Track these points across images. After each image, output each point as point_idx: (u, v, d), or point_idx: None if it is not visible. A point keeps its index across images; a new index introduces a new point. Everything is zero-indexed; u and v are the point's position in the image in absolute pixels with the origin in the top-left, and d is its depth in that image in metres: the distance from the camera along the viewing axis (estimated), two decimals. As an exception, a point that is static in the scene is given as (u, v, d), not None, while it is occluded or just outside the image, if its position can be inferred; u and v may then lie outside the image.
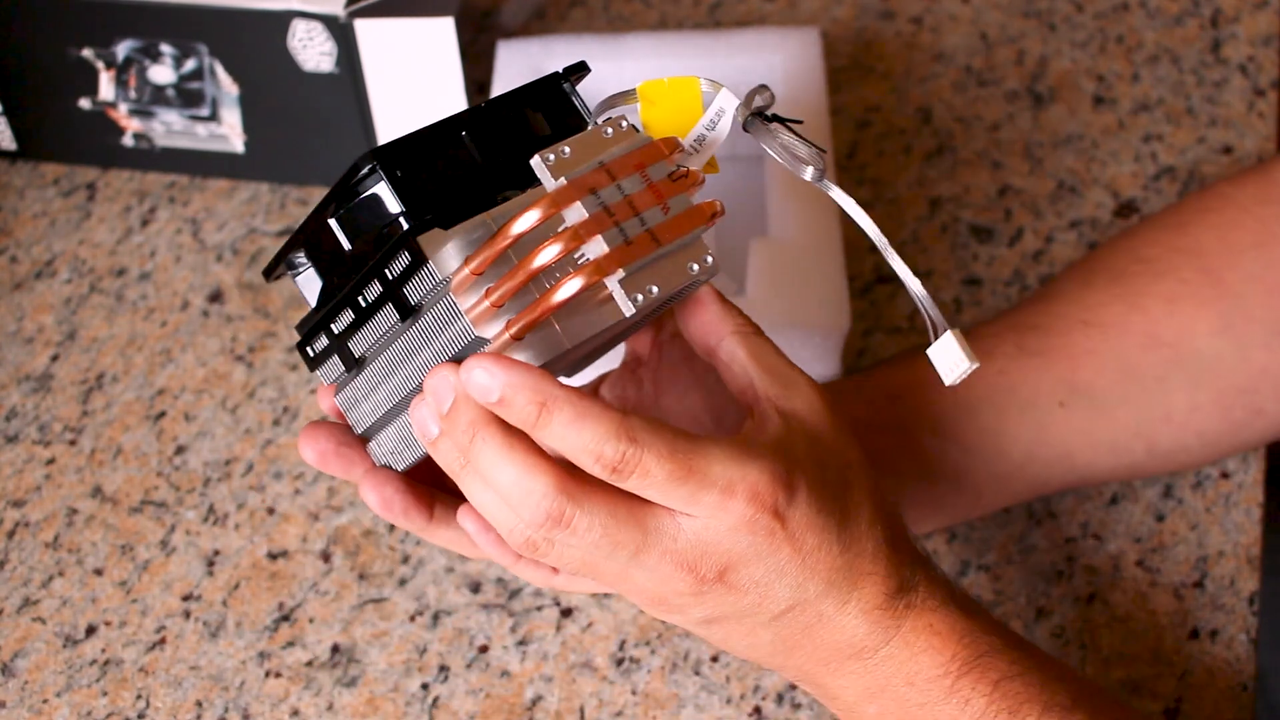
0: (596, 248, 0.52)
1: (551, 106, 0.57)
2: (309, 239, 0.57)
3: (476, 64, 0.93)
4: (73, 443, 0.80)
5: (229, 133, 0.88)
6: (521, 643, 0.72)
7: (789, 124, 0.58)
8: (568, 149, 0.53)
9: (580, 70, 0.58)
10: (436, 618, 0.73)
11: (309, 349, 0.59)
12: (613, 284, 0.53)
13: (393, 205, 0.54)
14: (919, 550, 0.60)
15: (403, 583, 0.74)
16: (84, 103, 0.88)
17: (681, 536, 0.54)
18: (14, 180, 0.92)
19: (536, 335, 0.54)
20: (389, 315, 0.55)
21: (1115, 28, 0.96)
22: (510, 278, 0.52)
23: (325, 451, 0.60)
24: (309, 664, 0.72)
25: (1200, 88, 0.93)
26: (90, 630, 0.74)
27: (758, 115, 0.57)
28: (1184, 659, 0.71)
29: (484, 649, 0.72)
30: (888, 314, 0.84)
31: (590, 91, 0.87)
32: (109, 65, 0.86)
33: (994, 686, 0.58)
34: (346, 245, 0.54)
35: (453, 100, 0.84)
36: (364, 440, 0.60)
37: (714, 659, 0.72)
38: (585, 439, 0.51)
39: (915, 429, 0.70)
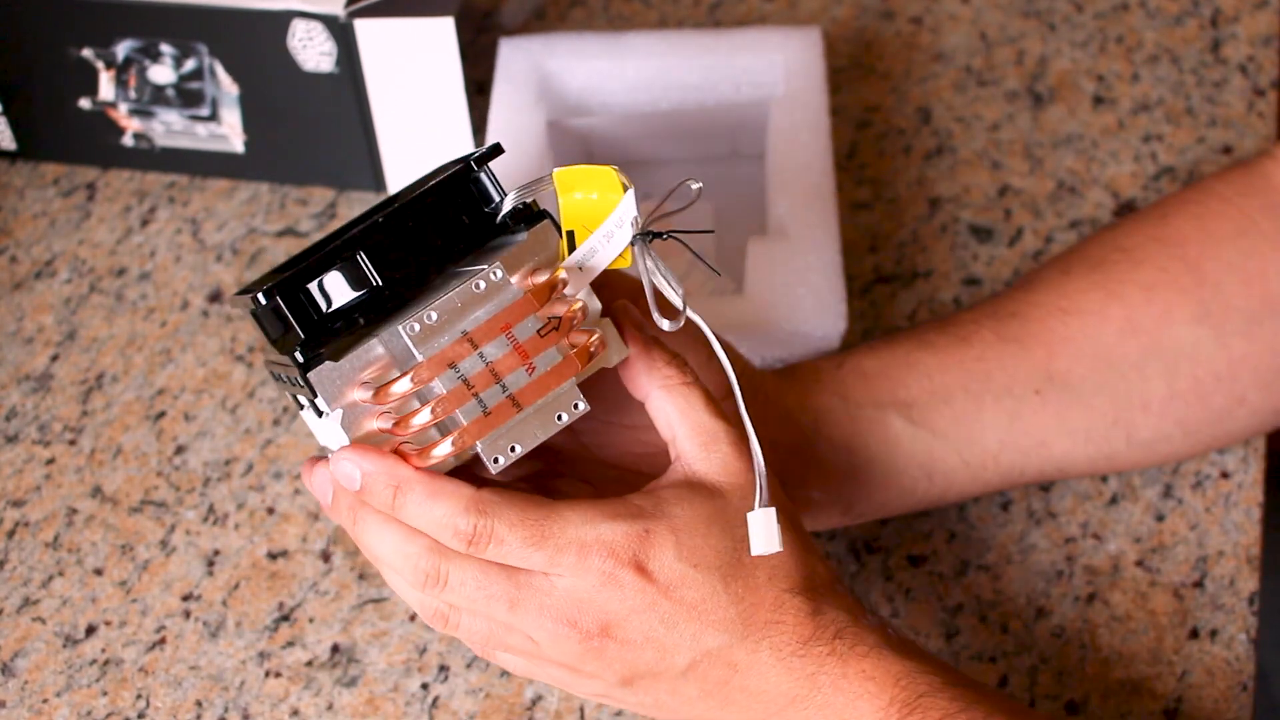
0: (456, 420, 0.57)
1: (466, 194, 0.59)
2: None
3: (476, 64, 0.93)
4: (73, 443, 0.80)
5: (229, 133, 0.88)
6: (521, 642, 0.72)
7: (683, 240, 0.58)
8: (434, 314, 0.56)
9: (494, 153, 0.59)
10: (436, 617, 0.73)
11: (271, 373, 0.62)
12: (478, 448, 0.57)
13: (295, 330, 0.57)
14: (848, 599, 0.61)
15: (403, 582, 0.74)
16: (84, 103, 0.88)
17: (555, 592, 0.57)
18: (14, 180, 0.92)
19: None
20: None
21: (1115, 28, 0.96)
22: (394, 430, 0.57)
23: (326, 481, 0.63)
24: (309, 664, 0.72)
25: (1200, 88, 0.93)
26: (90, 630, 0.74)
27: (645, 235, 0.57)
28: (1184, 659, 0.71)
29: (484, 649, 0.72)
30: (887, 314, 0.84)
31: (589, 88, 0.87)
32: (109, 65, 0.86)
33: None
34: (272, 336, 0.58)
35: (453, 100, 0.84)
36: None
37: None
38: (439, 514, 0.56)
39: (886, 411, 0.70)
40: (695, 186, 0.58)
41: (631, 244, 0.57)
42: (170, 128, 0.88)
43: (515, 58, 0.86)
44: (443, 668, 0.72)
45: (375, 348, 0.57)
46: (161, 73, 0.86)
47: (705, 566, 0.57)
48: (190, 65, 0.85)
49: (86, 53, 0.86)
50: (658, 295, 0.57)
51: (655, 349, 0.61)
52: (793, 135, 0.82)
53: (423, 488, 0.57)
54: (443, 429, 0.58)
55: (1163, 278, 0.72)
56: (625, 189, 0.57)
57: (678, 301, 0.57)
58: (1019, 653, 0.72)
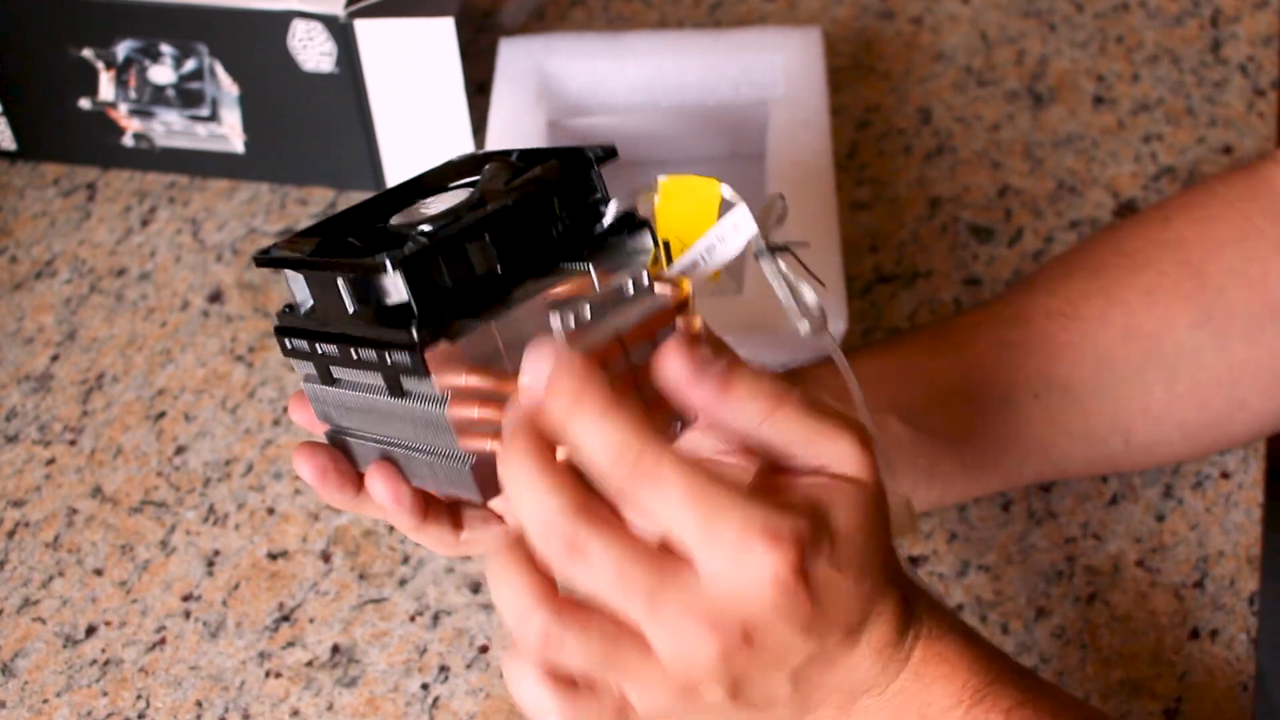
0: None
1: (572, 185, 0.56)
2: (308, 273, 0.57)
3: (476, 64, 0.93)
4: (73, 443, 0.80)
5: (229, 133, 0.88)
6: (521, 643, 0.72)
7: (795, 251, 0.56)
8: (588, 310, 0.52)
9: (610, 156, 0.57)
10: (436, 618, 0.73)
11: (287, 341, 0.59)
12: None
13: (406, 303, 0.53)
14: (915, 583, 0.58)
15: (403, 583, 0.74)
16: (84, 103, 0.88)
17: (700, 589, 0.49)
18: (14, 180, 0.92)
19: None
20: (377, 378, 0.55)
21: (1115, 28, 0.96)
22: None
23: (325, 468, 0.60)
24: (309, 664, 0.72)
25: (1200, 88, 0.93)
26: (90, 630, 0.74)
27: (773, 250, 0.55)
28: (1184, 659, 0.71)
29: (484, 649, 0.72)
30: (887, 314, 0.84)
31: (589, 88, 0.87)
32: (109, 65, 0.86)
33: (1006, 714, 0.56)
34: (350, 307, 0.54)
35: (453, 100, 0.84)
36: (335, 433, 0.60)
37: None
38: (609, 432, 0.49)
39: (885, 414, 0.70)
40: (782, 202, 0.56)
41: (757, 257, 0.56)
42: (170, 128, 0.88)
43: (515, 58, 0.86)
44: (443, 668, 0.72)
45: (489, 333, 0.53)
46: (161, 73, 0.86)
47: (848, 567, 0.52)
48: (190, 65, 0.85)
49: (86, 53, 0.86)
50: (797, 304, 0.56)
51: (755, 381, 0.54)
52: (793, 135, 0.82)
53: (604, 399, 0.49)
54: None
55: (1164, 282, 0.72)
56: (732, 202, 0.55)
57: (815, 311, 0.56)
58: (1019, 653, 0.72)
